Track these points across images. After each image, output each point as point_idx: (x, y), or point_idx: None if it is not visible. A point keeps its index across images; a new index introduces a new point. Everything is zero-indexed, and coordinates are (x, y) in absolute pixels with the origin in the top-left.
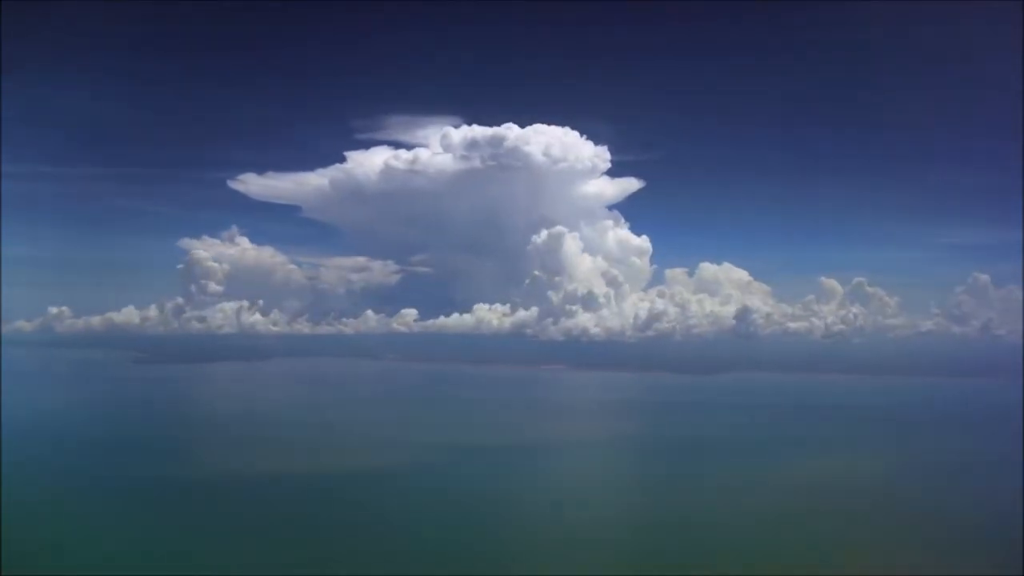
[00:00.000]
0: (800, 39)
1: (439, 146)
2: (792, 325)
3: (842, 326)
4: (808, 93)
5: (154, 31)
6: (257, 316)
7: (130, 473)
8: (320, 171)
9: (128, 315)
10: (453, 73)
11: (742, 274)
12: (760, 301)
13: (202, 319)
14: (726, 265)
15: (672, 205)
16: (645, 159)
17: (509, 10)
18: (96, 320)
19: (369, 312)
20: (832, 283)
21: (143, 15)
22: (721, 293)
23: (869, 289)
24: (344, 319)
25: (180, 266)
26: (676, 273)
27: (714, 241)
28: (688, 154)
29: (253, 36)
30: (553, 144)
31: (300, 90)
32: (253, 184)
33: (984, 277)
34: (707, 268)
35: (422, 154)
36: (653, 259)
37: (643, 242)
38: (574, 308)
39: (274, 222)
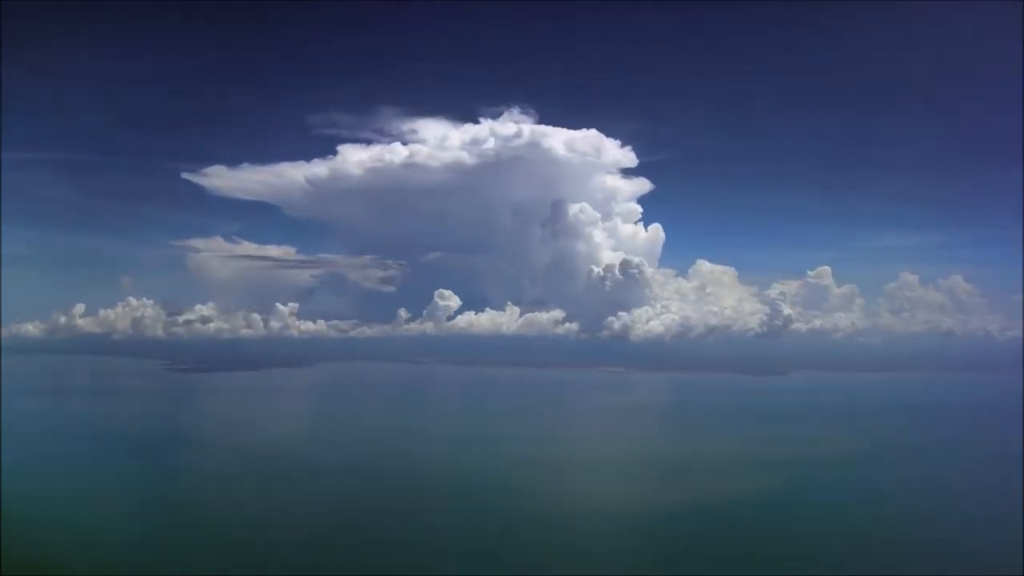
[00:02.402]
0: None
1: (439, 144)
2: (821, 323)
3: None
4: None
5: (143, 25)
6: (287, 319)
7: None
8: (324, 168)
9: (137, 317)
10: (456, 70)
11: (730, 272)
12: (761, 300)
13: (206, 321)
14: (705, 263)
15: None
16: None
17: (508, 8)
18: (92, 322)
19: (401, 313)
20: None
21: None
22: (716, 292)
23: (839, 289)
24: (374, 321)
25: (192, 265)
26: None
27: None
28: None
29: (245, 31)
30: (567, 142)
31: (308, 85)
32: (246, 182)
33: (913, 277)
34: (703, 266)
35: (422, 150)
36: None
37: (657, 238)
38: (622, 310)
39: (275, 221)
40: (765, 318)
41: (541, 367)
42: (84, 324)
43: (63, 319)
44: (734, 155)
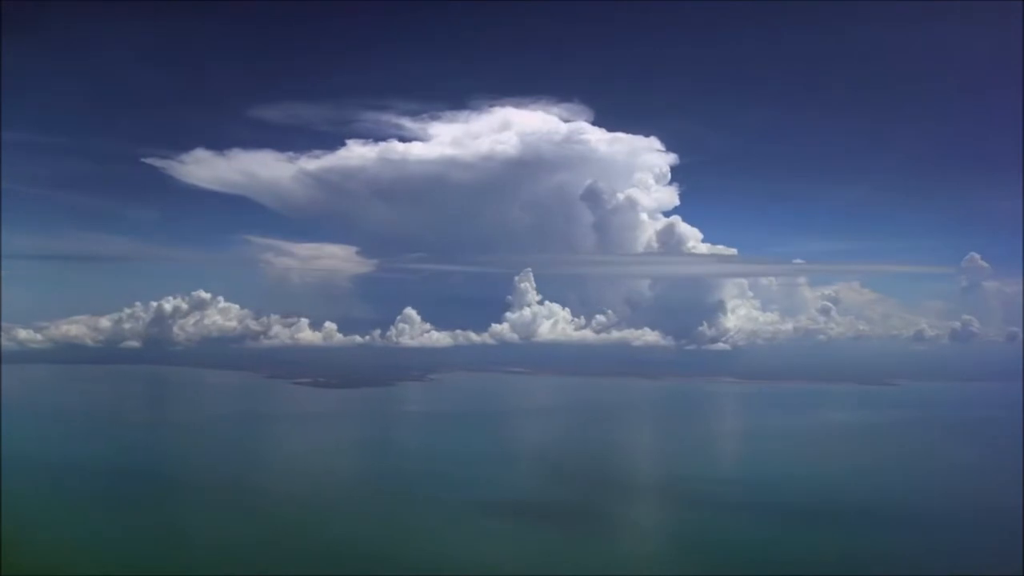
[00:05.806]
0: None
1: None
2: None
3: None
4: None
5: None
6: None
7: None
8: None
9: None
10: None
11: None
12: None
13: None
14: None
15: None
16: None
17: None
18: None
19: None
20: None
21: None
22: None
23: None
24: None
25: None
26: None
27: None
28: None
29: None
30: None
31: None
32: (261, 179)
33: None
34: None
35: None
36: None
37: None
38: (712, 313)
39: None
40: (823, 322)
41: (653, 377)
42: (117, 331)
43: (103, 323)
44: (725, 155)
